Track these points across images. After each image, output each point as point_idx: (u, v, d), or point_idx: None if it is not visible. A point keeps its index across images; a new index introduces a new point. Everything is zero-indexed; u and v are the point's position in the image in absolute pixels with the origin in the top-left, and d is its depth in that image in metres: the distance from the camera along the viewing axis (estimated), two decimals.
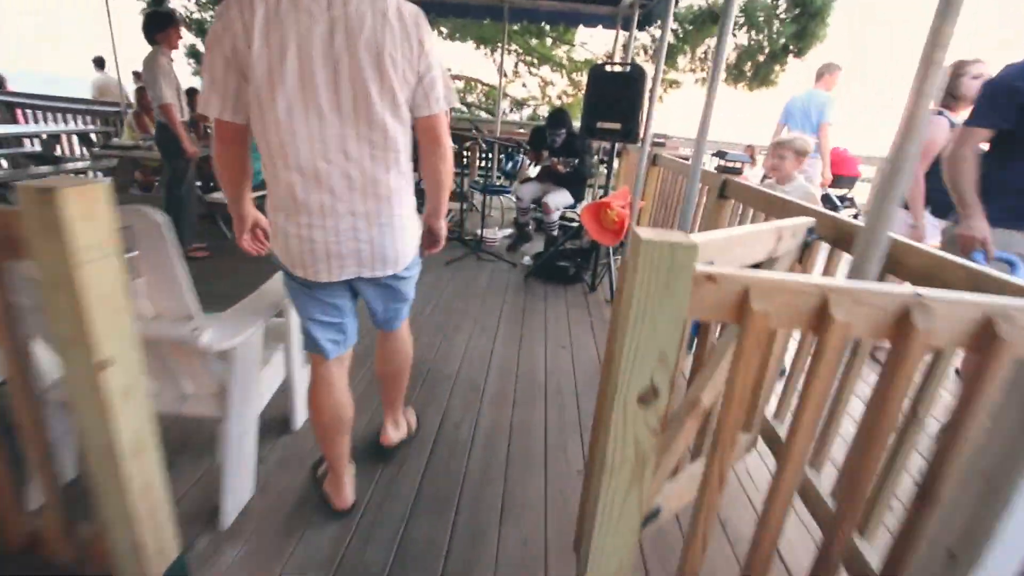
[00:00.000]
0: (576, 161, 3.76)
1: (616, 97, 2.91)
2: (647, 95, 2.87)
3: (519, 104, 12.53)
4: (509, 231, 4.86)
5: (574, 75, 11.11)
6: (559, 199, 4.03)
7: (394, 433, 1.72)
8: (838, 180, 7.55)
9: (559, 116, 4.04)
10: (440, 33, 11.24)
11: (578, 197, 4.21)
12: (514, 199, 4.48)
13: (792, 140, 2.17)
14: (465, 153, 4.28)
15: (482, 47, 11.52)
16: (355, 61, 1.03)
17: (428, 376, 2.28)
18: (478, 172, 5.73)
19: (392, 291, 1.36)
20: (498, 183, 5.06)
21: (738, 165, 2.39)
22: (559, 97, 11.55)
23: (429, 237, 1.47)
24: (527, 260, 4.04)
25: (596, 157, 4.95)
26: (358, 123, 1.07)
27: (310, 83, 1.02)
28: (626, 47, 5.06)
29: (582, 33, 10.83)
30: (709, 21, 7.50)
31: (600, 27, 5.28)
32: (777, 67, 7.85)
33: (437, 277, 3.54)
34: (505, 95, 12.02)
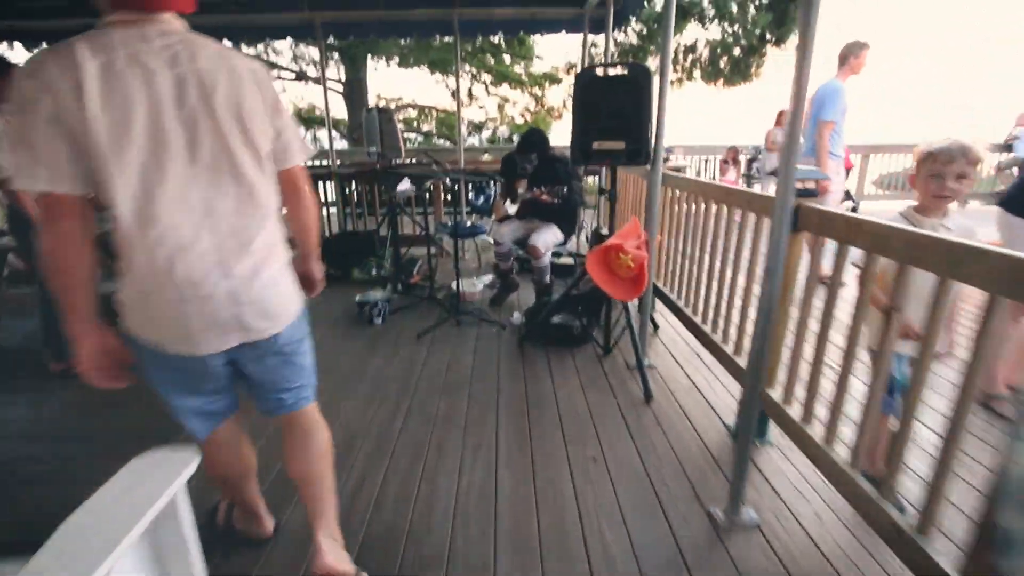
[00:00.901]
0: (565, 190, 3.05)
1: (615, 109, 2.21)
2: (655, 102, 2.17)
3: (477, 127, 11.90)
4: (490, 277, 4.10)
5: (535, 90, 10.54)
6: (548, 238, 3.29)
7: (333, 553, 1.32)
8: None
9: (532, 138, 3.33)
10: (388, 62, 10.58)
11: (569, 232, 3.48)
12: (491, 240, 3.75)
13: (968, 149, 1.42)
14: (427, 191, 3.56)
15: (436, 72, 10.88)
16: (214, 119, 0.99)
17: (406, 561, 1.47)
18: (444, 211, 4.99)
19: (283, 359, 1.23)
20: (469, 222, 4.32)
21: (811, 186, 1.69)
22: (521, 115, 10.97)
23: (305, 282, 1.39)
24: (517, 317, 3.28)
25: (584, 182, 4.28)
26: (223, 183, 1.02)
27: (166, 144, 0.95)
28: (596, 52, 4.43)
29: (539, 46, 10.30)
30: (678, 17, 7.00)
31: (563, 32, 4.65)
32: (756, 59, 7.37)
33: (409, 360, 2.74)
34: (462, 119, 11.41)
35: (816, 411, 1.67)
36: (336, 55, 9.30)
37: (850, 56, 3.27)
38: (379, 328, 3.21)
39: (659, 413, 2.20)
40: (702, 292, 2.55)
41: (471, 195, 4.14)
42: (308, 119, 10.58)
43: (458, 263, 3.38)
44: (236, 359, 1.16)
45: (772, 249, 1.35)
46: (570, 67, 9.89)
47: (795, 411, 1.75)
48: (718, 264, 2.36)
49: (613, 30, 4.43)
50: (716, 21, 7.32)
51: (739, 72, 7.52)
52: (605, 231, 3.63)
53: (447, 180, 4.01)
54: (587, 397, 2.34)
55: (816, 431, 1.65)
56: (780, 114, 7.51)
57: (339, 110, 10.42)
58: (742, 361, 2.13)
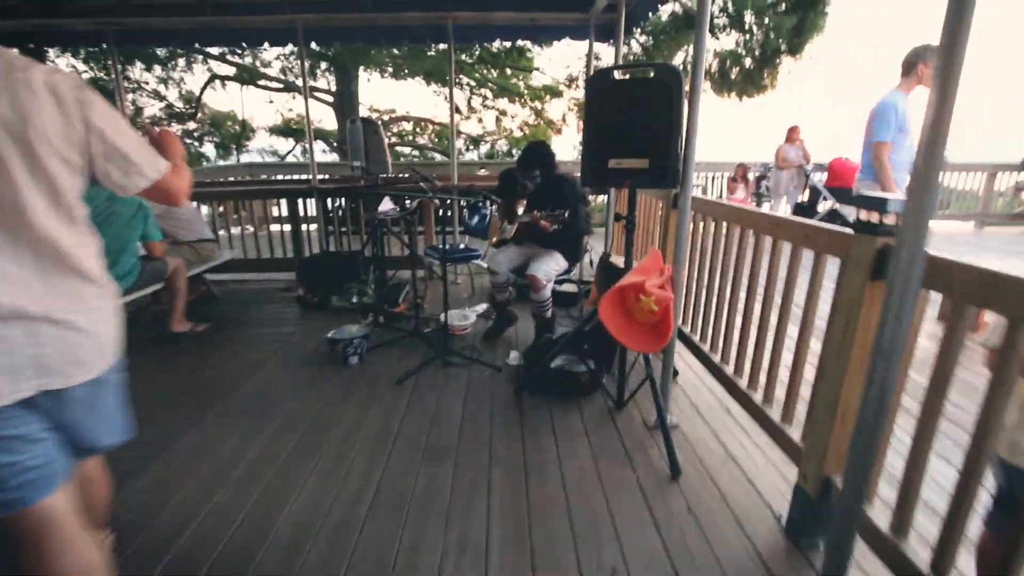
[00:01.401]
0: (567, 213, 2.65)
1: (636, 119, 1.81)
2: (685, 112, 1.78)
3: (475, 141, 11.55)
4: (484, 306, 3.68)
5: (535, 103, 10.20)
6: (549, 266, 2.89)
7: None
8: (843, 194, 6.77)
9: (534, 152, 2.95)
10: (383, 73, 10.27)
11: (573, 259, 3.08)
12: (486, 266, 3.34)
13: None
14: (413, 211, 3.14)
15: (432, 84, 10.55)
16: None
17: None
18: (435, 230, 4.58)
19: (99, 404, 1.05)
20: (462, 244, 3.91)
21: (889, 220, 1.29)
22: (520, 129, 10.64)
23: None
24: (515, 358, 2.85)
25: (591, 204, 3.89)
26: (4, 215, 0.88)
27: None
28: (598, 65, 4.06)
29: (539, 58, 9.99)
30: (685, 27, 6.70)
31: (567, 40, 4.30)
32: (769, 69, 7.03)
33: (386, 414, 2.30)
34: (459, 133, 11.08)
35: (914, 520, 1.26)
36: (325, 65, 8.95)
37: (919, 63, 2.69)
38: (354, 370, 2.77)
39: (690, 495, 1.77)
40: (734, 338, 2.14)
41: (465, 214, 3.75)
42: (297, 130, 10.22)
43: (447, 294, 2.96)
44: (40, 405, 0.99)
45: (888, 315, 0.93)
46: (571, 80, 9.59)
47: (880, 516, 1.33)
48: (757, 307, 1.96)
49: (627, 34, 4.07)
50: (727, 31, 7.01)
51: (752, 83, 7.18)
52: (618, 260, 3.23)
53: (436, 200, 3.60)
54: (600, 471, 1.91)
55: (916, 552, 1.22)
56: (792, 130, 7.18)
57: (331, 122, 10.09)
58: (794, 433, 1.71)
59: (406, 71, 9.80)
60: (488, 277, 3.15)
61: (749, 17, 6.75)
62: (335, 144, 9.84)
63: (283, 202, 4.59)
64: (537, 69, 9.91)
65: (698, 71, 1.80)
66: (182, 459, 1.99)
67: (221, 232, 4.65)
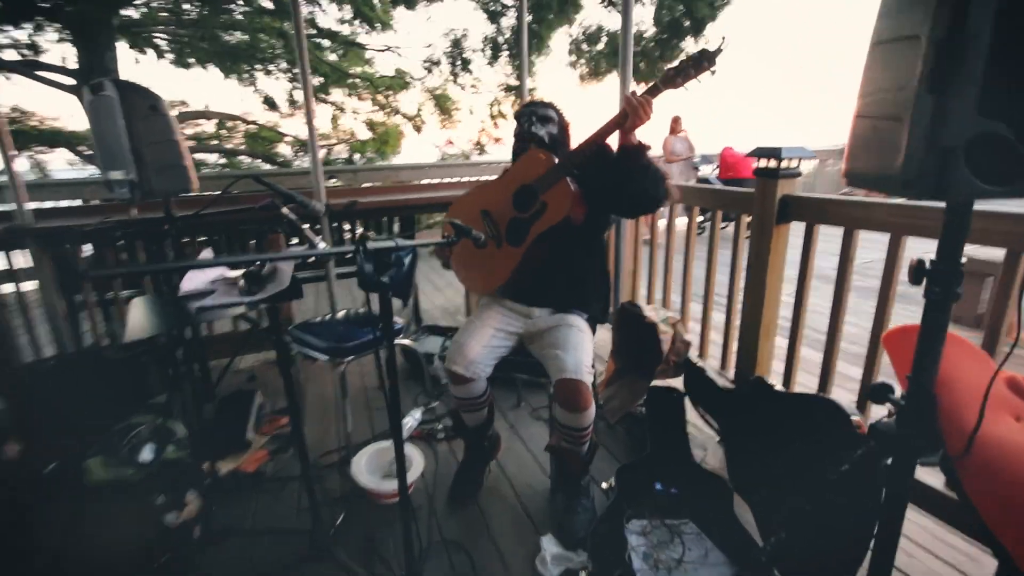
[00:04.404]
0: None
1: None
2: None
3: (303, 144, 9.24)
4: (416, 417, 2.09)
5: (386, 95, 8.33)
6: (585, 349, 1.45)
7: None
8: (736, 185, 6.60)
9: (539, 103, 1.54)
10: (159, 54, 7.41)
11: (599, 317, 1.70)
12: (440, 363, 1.81)
13: None
14: (272, 295, 1.45)
15: (235, 74, 7.98)
16: None
17: None
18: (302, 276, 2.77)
19: None
20: (362, 309, 2.23)
21: None
22: (369, 127, 8.67)
23: None
24: (557, 558, 1.37)
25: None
26: None
27: None
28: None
29: (384, 38, 8.14)
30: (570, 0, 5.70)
31: None
32: (669, 52, 6.37)
33: None
34: (282, 135, 8.74)
35: None
36: (52, 28, 5.86)
37: None
38: None
39: None
40: None
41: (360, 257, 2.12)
42: (17, 133, 6.43)
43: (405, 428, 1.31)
44: None
45: None
46: (432, 64, 7.99)
47: None
48: None
49: None
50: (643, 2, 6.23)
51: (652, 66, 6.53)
52: (649, 310, 1.96)
53: (303, 232, 1.84)
54: None
55: None
56: (675, 120, 6.76)
57: (79, 117, 6.96)
58: None
59: (192, 54, 7.10)
60: (446, 382, 1.59)
61: None
62: (92, 152, 6.72)
63: None
64: (393, 49, 7.97)
65: None
66: None
67: None
